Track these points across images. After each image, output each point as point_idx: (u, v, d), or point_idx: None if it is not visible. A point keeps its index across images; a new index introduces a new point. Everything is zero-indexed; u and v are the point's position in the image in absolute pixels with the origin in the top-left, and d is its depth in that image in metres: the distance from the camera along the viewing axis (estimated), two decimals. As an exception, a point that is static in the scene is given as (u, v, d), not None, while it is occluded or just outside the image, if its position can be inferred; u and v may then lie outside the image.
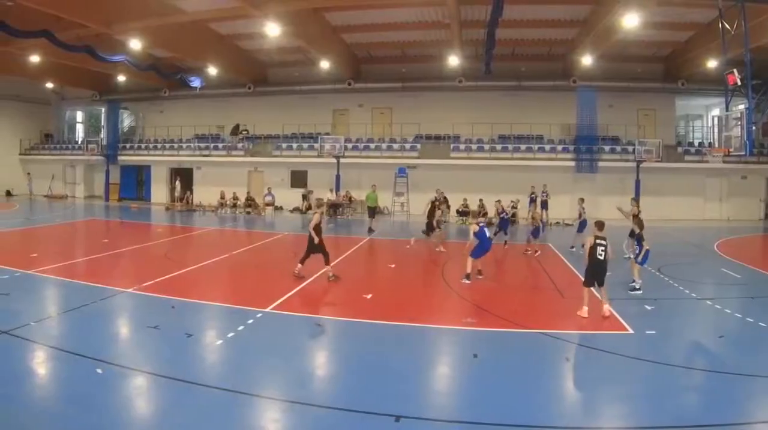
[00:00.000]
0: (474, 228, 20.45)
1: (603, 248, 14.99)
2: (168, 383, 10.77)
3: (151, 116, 59.26)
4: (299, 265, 19.99)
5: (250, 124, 52.79)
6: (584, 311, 15.15)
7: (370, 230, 33.52)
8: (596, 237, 15.32)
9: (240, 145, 50.40)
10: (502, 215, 28.35)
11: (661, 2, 27.94)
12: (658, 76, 44.27)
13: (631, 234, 20.68)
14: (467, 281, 19.26)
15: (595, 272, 15.14)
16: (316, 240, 19.07)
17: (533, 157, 43.92)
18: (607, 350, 12.93)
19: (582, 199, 28.59)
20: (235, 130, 53.72)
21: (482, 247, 19.58)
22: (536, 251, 26.47)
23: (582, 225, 27.49)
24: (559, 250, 28.01)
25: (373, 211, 35.58)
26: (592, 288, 15.41)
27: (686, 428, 9.49)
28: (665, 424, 9.51)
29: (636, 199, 27.91)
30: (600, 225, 15.64)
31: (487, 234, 19.99)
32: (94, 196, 58.07)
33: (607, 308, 15.17)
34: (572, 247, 27.43)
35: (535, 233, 27.13)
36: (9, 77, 51.76)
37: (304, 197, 45.48)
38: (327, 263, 19.96)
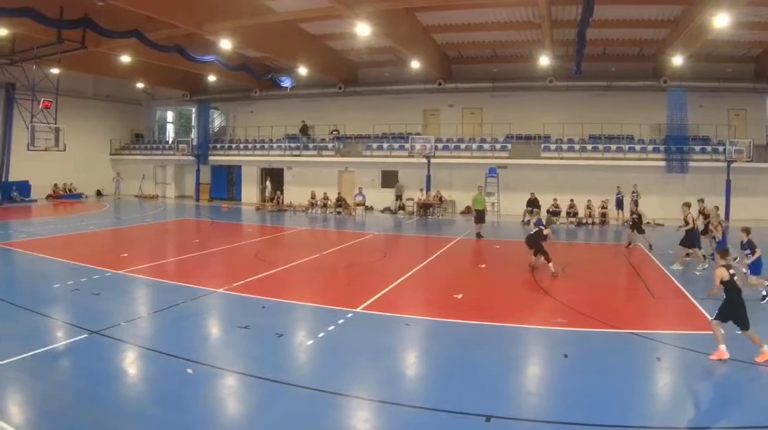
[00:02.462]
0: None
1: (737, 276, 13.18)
2: (258, 383, 11.58)
3: (242, 116, 64.64)
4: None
5: (341, 124, 57.42)
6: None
7: (479, 236, 33.21)
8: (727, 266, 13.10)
9: (331, 145, 52.50)
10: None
11: (751, 2, 27.35)
12: (749, 76, 45.62)
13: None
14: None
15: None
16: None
17: (623, 157, 46.13)
18: (697, 350, 13.40)
19: (688, 204, 25.12)
20: (304, 130, 58.23)
21: None
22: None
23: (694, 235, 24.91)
24: (650, 250, 28.72)
25: (482, 216, 34.54)
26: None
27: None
28: (759, 424, 9.77)
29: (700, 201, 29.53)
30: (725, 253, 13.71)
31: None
32: (184, 197, 60.75)
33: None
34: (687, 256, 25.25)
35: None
36: (100, 78, 55.48)
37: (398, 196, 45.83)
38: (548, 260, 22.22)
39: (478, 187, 37.12)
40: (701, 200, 29.73)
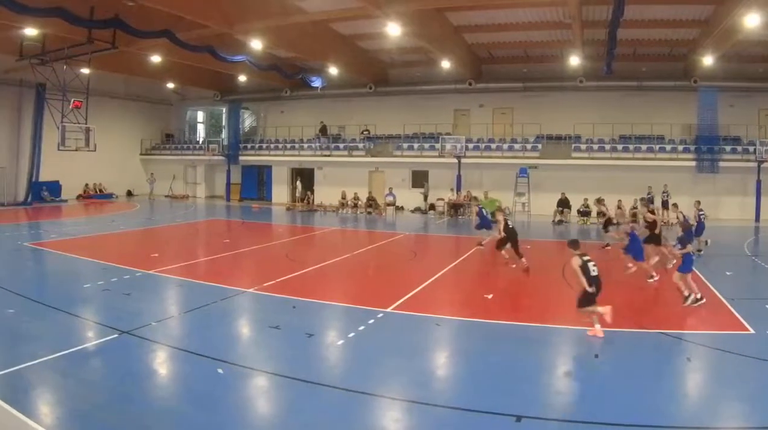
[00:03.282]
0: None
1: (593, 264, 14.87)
2: (289, 384, 11.67)
3: (272, 116, 64.94)
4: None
5: (371, 124, 57.42)
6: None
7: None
8: (582, 254, 15.12)
9: (361, 145, 52.01)
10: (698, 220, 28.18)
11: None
12: (780, 76, 43.36)
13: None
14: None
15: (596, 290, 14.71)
16: None
17: (654, 157, 45.95)
18: (727, 350, 13.53)
19: (698, 202, 28.41)
20: (323, 130, 58.24)
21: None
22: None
23: (699, 228, 26.88)
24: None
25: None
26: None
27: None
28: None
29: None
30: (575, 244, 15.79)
31: None
32: (215, 197, 61.03)
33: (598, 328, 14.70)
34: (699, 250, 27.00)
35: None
36: (131, 78, 56.07)
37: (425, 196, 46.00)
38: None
39: (484, 192, 36.95)
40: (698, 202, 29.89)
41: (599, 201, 31.59)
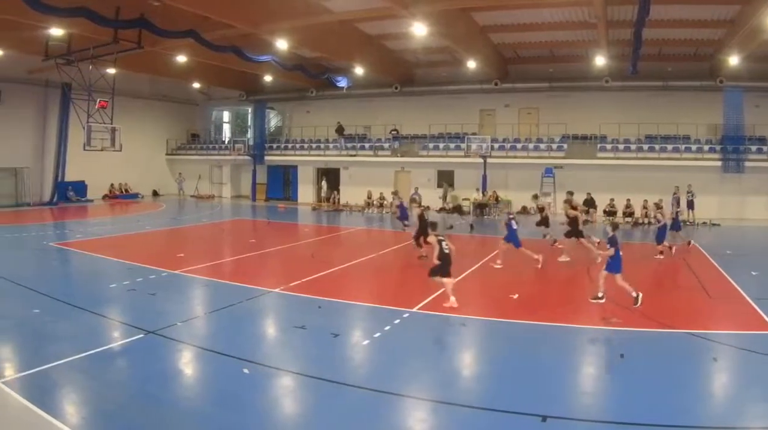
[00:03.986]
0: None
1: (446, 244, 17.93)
2: (314, 384, 11.72)
3: (298, 116, 65.22)
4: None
5: (397, 124, 57.35)
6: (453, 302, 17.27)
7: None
8: (437, 234, 18.51)
9: (387, 145, 50.54)
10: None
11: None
12: (806, 76, 43.16)
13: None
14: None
15: (446, 265, 17.60)
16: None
17: (679, 157, 45.48)
18: (754, 350, 13.54)
19: (567, 200, 28.38)
20: (340, 130, 58.61)
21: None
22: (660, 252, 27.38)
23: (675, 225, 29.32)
24: (707, 250, 29.10)
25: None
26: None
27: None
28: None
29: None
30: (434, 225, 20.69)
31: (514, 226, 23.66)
32: (240, 196, 61.25)
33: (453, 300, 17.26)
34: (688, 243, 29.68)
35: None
36: (156, 78, 56.25)
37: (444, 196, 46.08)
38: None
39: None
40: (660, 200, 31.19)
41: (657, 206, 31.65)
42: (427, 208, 37.96)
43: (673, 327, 15.24)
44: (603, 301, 17.85)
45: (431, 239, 18.42)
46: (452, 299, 17.08)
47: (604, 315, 16.47)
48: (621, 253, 17.94)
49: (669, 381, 11.65)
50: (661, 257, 26.57)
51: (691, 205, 41.10)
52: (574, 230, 25.96)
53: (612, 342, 14.54)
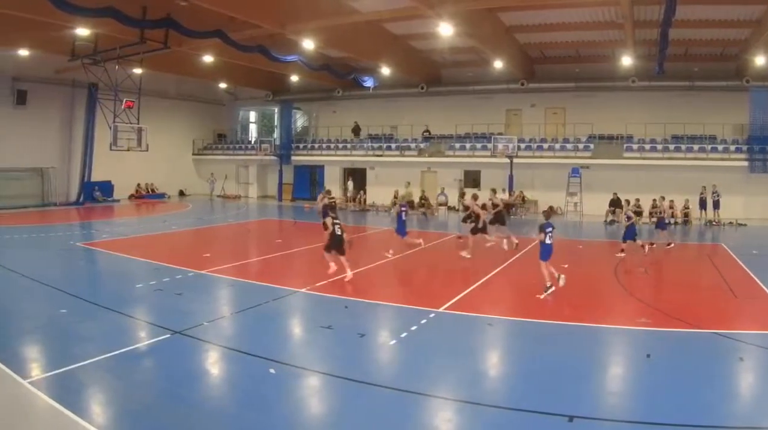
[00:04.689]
0: None
1: (339, 226, 21.34)
2: (341, 384, 11.76)
3: (324, 116, 65.23)
4: None
5: (423, 124, 57.00)
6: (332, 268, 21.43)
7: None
8: (334, 217, 21.55)
9: (413, 145, 50.15)
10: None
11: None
12: (833, 75, 42.81)
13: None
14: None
15: (337, 243, 21.14)
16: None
17: (706, 157, 45.34)
18: None
19: (474, 197, 29.05)
20: (356, 131, 59.33)
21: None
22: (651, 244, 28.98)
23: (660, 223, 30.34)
24: (733, 250, 29.09)
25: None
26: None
27: None
28: None
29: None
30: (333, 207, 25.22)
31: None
32: (267, 197, 60.97)
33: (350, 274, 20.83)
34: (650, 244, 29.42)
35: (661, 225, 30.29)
36: (183, 78, 56.54)
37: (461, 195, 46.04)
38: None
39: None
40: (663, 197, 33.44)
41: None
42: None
43: (699, 327, 15.24)
44: (552, 289, 18.83)
45: (328, 220, 21.25)
46: (349, 272, 20.74)
47: (632, 316, 16.40)
48: (550, 242, 19.24)
49: (695, 381, 11.70)
50: (623, 254, 26.64)
51: (717, 205, 41.53)
52: (497, 216, 29.17)
53: (638, 342, 14.50)
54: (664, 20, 30.43)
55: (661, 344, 14.21)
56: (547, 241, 19.22)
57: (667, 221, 29.88)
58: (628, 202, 30.93)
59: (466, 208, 31.08)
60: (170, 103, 62.41)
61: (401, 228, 26.66)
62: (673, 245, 30.17)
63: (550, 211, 20.96)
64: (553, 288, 18.87)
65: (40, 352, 13.30)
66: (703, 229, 39.11)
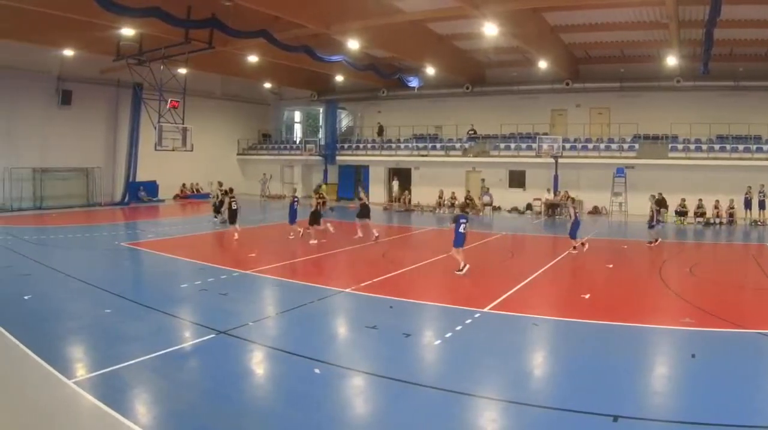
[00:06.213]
0: None
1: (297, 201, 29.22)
2: (386, 383, 11.79)
3: (369, 116, 65.21)
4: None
5: (468, 124, 56.83)
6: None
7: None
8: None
9: (458, 145, 50.28)
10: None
11: None
12: None
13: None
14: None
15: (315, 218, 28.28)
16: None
17: (751, 157, 44.62)
18: None
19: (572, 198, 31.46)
20: (380, 131, 59.85)
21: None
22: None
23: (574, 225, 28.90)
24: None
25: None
26: None
27: None
28: None
29: None
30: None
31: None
32: (311, 197, 59.62)
33: None
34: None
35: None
36: (228, 78, 56.86)
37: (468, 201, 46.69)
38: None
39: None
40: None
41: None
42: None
43: (744, 327, 15.14)
44: (464, 272, 21.42)
45: (314, 201, 27.52)
46: (313, 241, 27.40)
47: (677, 316, 16.34)
48: (463, 232, 21.66)
49: (740, 381, 11.62)
50: (575, 252, 27.15)
51: (762, 205, 41.15)
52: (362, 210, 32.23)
53: (682, 342, 14.51)
54: (709, 20, 30.23)
55: (706, 344, 14.25)
56: (461, 230, 21.58)
57: (658, 221, 30.05)
58: (572, 199, 32.43)
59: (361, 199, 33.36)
60: (215, 103, 63.30)
61: (292, 216, 31.61)
62: (654, 244, 30.03)
63: (466, 205, 22.65)
64: (468, 267, 21.49)
65: (84, 352, 13.40)
66: (748, 229, 38.46)
